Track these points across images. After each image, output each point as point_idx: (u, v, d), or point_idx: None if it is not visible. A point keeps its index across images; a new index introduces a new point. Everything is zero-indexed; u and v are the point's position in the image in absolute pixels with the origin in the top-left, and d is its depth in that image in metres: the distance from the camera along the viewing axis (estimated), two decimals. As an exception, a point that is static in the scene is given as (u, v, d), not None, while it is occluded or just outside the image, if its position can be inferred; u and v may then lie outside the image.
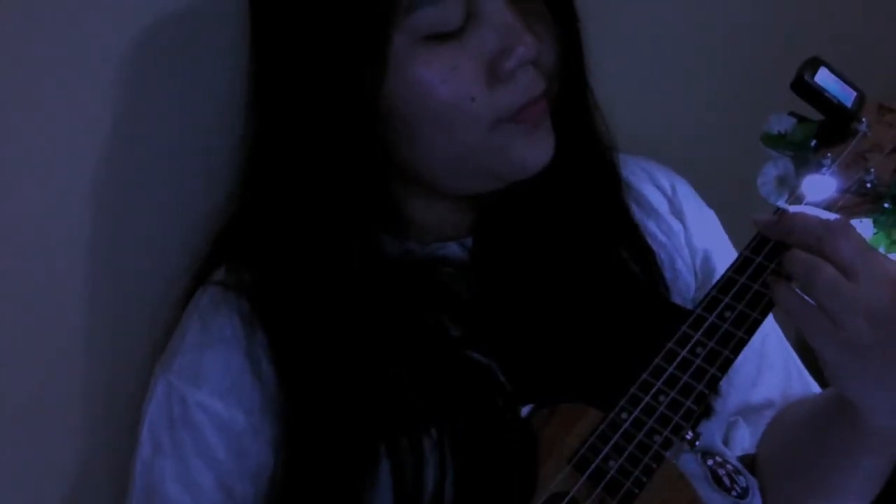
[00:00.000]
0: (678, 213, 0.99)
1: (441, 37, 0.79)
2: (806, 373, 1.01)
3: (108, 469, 0.97)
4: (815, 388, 1.00)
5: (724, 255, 0.99)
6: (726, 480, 0.89)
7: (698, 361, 0.78)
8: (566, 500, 0.78)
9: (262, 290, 0.87)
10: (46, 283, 0.93)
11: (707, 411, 0.89)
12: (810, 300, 0.74)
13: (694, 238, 0.99)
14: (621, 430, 0.79)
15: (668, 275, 0.95)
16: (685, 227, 0.99)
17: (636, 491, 0.77)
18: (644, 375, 0.80)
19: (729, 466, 0.91)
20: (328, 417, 0.83)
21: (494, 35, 0.80)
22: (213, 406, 0.85)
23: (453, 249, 0.92)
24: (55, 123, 0.91)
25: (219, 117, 0.93)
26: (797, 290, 0.75)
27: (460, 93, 0.80)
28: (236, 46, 0.89)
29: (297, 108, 0.84)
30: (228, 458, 0.85)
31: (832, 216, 0.75)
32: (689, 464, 0.88)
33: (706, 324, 0.79)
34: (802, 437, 0.91)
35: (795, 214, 0.76)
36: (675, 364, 0.79)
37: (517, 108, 0.82)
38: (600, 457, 0.79)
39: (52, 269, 0.93)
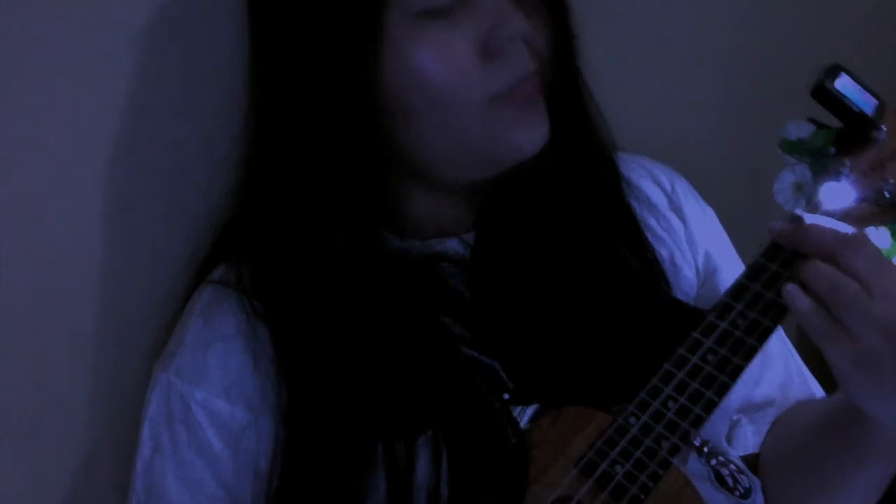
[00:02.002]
0: (678, 211, 0.99)
1: (432, 14, 0.80)
2: (806, 370, 1.01)
3: (110, 468, 0.97)
4: (815, 385, 1.00)
5: (724, 254, 0.99)
6: (729, 480, 0.89)
7: (709, 368, 0.78)
8: (571, 504, 0.78)
9: (262, 287, 0.87)
10: (47, 283, 0.92)
11: None
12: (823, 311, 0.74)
13: (695, 236, 0.98)
14: (629, 435, 0.78)
15: (668, 271, 0.95)
16: (685, 225, 0.98)
17: (642, 496, 0.77)
18: (653, 381, 0.79)
19: (732, 466, 0.91)
20: (327, 415, 0.82)
21: (485, 13, 0.81)
22: (213, 404, 0.84)
23: (454, 245, 0.92)
24: (54, 124, 0.90)
25: (219, 116, 0.92)
26: (812, 300, 0.75)
27: (452, 70, 0.81)
28: (236, 44, 0.89)
29: (296, 100, 0.84)
30: (228, 455, 0.84)
31: (849, 228, 0.74)
32: (692, 463, 0.87)
33: (718, 331, 0.78)
34: (810, 440, 0.91)
35: (812, 226, 0.76)
36: (685, 370, 0.78)
37: (509, 87, 0.83)
38: (607, 461, 0.78)
39: (52, 269, 0.92)
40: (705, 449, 0.79)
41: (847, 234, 0.74)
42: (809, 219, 0.76)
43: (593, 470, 0.78)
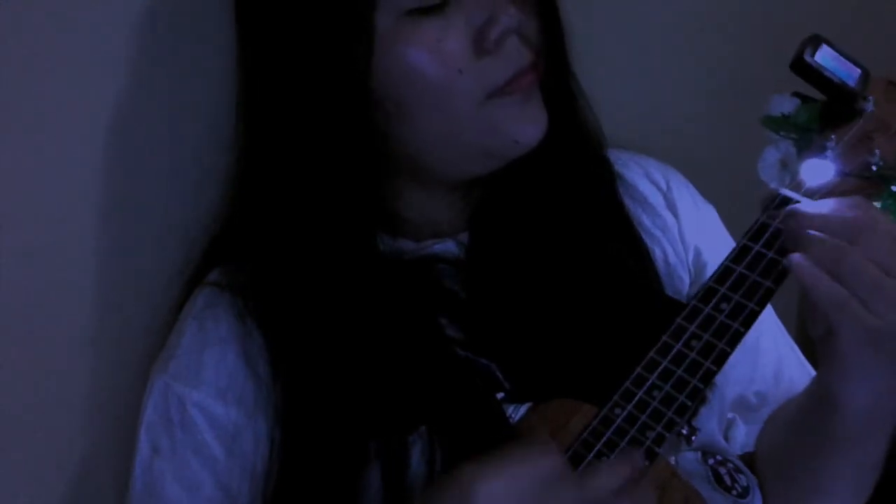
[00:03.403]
0: (672, 208, 0.97)
1: (424, 11, 0.79)
2: (808, 365, 0.97)
3: (108, 471, 0.97)
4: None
5: (718, 251, 0.95)
6: (727, 479, 0.87)
7: (693, 355, 0.75)
8: (559, 496, 0.76)
9: (257, 289, 0.87)
10: (45, 286, 0.93)
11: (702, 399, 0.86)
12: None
13: (686, 233, 0.96)
14: (614, 425, 0.76)
15: (661, 269, 0.93)
16: (678, 222, 0.97)
17: None
18: (638, 369, 0.77)
19: (730, 465, 0.89)
20: (322, 415, 0.82)
21: (477, 7, 0.80)
22: (209, 406, 0.84)
23: (449, 246, 0.91)
24: (50, 127, 0.91)
25: (214, 119, 0.92)
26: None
27: (448, 66, 0.80)
28: (229, 48, 0.89)
29: (287, 101, 0.84)
30: (226, 457, 0.84)
31: (852, 213, 0.72)
32: (690, 463, 0.86)
33: (701, 315, 0.75)
34: (788, 435, 0.89)
35: (819, 216, 0.72)
36: (669, 357, 0.76)
37: (506, 80, 0.82)
38: (592, 453, 0.76)
39: (50, 272, 0.93)
40: (693, 438, 0.77)
41: (856, 218, 0.71)
42: (801, 205, 0.73)
43: (579, 462, 0.76)
